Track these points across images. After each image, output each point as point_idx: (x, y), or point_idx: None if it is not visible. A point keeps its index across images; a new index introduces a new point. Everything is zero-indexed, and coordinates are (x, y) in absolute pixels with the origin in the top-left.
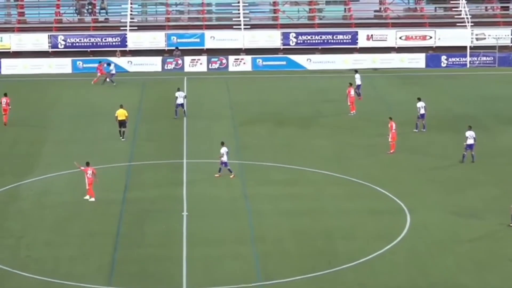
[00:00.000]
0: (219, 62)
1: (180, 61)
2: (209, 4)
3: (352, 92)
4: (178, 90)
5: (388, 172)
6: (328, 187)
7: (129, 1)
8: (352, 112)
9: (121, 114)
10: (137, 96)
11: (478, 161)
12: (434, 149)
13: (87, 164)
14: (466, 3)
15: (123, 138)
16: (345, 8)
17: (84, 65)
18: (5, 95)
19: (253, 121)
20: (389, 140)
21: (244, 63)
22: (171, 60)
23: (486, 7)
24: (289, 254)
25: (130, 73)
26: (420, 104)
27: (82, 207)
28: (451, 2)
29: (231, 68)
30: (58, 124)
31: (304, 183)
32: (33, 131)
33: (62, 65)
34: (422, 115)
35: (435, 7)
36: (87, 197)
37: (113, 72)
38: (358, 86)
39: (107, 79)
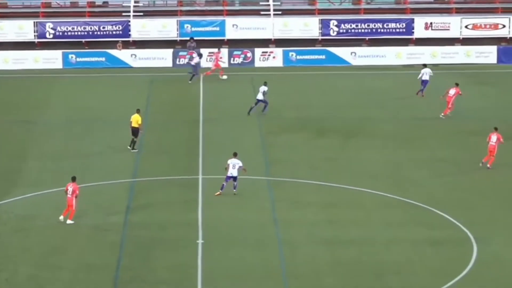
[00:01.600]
0: (243, 56)
1: (195, 55)
2: None
3: (452, 91)
4: (265, 84)
5: (455, 194)
6: (378, 211)
7: None
8: (444, 114)
9: (134, 120)
10: (143, 97)
11: None
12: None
13: (73, 179)
14: None
15: (132, 148)
16: None
17: (78, 59)
18: None
19: (286, 129)
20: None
21: (273, 57)
22: (185, 53)
23: None
24: None
25: (134, 69)
26: None
27: (75, 234)
28: None
29: (258, 63)
30: (46, 132)
31: (348, 205)
32: (15, 140)
33: (51, 59)
34: None
35: None
36: (70, 221)
37: (194, 62)
38: (425, 82)
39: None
